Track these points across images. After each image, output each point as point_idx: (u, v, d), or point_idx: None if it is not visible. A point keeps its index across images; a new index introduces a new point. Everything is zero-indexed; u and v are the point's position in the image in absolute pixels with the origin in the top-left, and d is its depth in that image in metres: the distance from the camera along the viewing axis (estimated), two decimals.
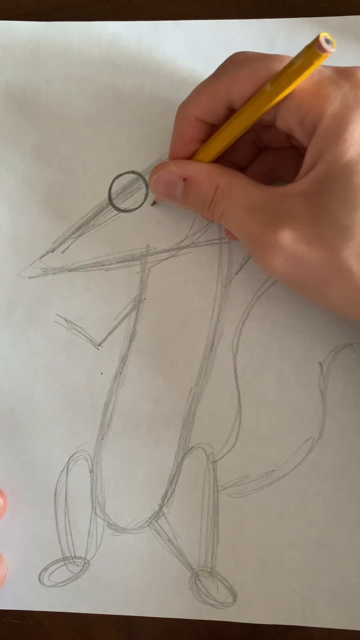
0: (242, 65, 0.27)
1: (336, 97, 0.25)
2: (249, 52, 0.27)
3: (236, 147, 0.30)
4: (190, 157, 0.30)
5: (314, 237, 0.25)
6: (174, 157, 0.30)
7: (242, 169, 0.31)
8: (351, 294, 0.26)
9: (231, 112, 0.28)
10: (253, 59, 0.27)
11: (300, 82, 0.25)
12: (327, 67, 0.26)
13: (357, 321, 0.30)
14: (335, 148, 0.25)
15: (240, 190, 0.28)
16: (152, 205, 0.33)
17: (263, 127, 0.30)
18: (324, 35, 0.23)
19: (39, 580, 0.32)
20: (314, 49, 0.23)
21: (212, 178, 0.28)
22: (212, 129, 0.29)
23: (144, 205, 0.34)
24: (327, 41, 0.23)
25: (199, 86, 0.28)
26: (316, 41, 0.23)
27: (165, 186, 0.30)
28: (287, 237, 0.26)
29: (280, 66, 0.25)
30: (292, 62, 0.25)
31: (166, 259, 0.33)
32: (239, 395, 0.32)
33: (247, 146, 0.31)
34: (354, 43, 0.33)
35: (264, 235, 0.26)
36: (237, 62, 0.27)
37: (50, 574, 0.32)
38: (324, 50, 0.23)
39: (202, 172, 0.29)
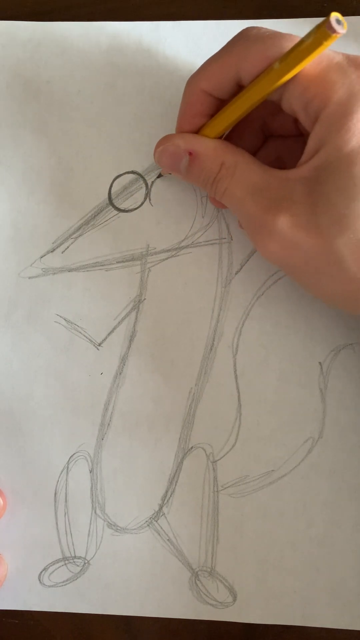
0: (252, 42, 0.26)
1: (342, 85, 0.25)
2: (261, 28, 0.27)
3: (244, 134, 0.30)
4: (197, 132, 0.29)
5: (310, 224, 0.25)
6: (180, 130, 0.30)
7: None
8: (343, 285, 0.26)
9: (239, 88, 0.28)
10: (264, 36, 0.26)
11: (309, 63, 0.25)
12: (338, 53, 0.26)
13: (352, 314, 0.30)
14: (337, 136, 0.25)
15: (244, 170, 0.27)
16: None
17: (270, 114, 0.30)
18: (335, 15, 0.23)
19: (39, 580, 0.32)
20: (324, 29, 0.23)
21: (218, 155, 0.28)
22: (220, 104, 0.29)
23: (144, 205, 0.34)
24: (338, 22, 0.23)
25: (209, 59, 0.28)
26: (326, 21, 0.23)
27: (170, 159, 0.29)
28: (284, 223, 0.26)
29: (291, 45, 0.25)
30: (302, 41, 0.24)
31: (166, 259, 0.33)
32: (239, 395, 0.32)
33: (254, 134, 0.31)
34: (354, 43, 0.33)
35: (263, 219, 0.26)
36: (248, 38, 0.27)
37: (50, 574, 0.32)
38: (334, 31, 0.23)
39: (208, 147, 0.28)
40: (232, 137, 0.30)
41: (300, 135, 0.30)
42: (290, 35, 0.26)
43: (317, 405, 0.32)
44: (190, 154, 0.29)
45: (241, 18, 0.34)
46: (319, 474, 0.32)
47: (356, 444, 0.32)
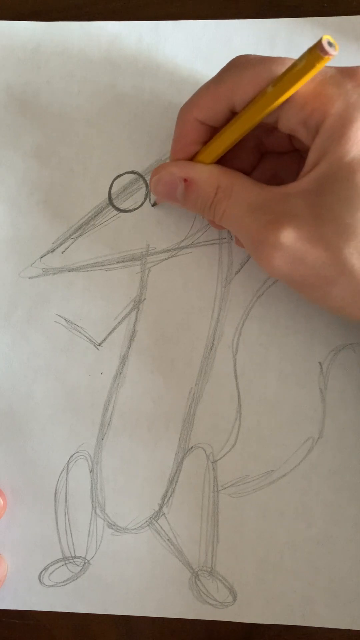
0: (244, 69, 0.26)
1: (339, 97, 0.25)
2: (250, 55, 0.27)
3: (239, 154, 0.30)
4: (192, 159, 0.30)
5: (316, 235, 0.25)
6: (175, 158, 0.30)
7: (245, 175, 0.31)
8: (353, 294, 0.26)
9: (233, 114, 0.28)
10: (255, 62, 0.26)
11: (302, 84, 0.25)
12: (330, 67, 0.26)
13: (358, 321, 0.30)
14: (338, 146, 0.25)
15: (241, 191, 0.27)
16: (152, 206, 0.33)
17: (265, 132, 0.30)
18: (326, 38, 0.23)
19: (39, 580, 0.32)
20: (316, 52, 0.23)
21: (213, 179, 0.28)
22: (213, 131, 0.29)
23: (144, 205, 0.34)
24: (330, 44, 0.23)
25: (201, 89, 0.28)
26: (319, 44, 0.23)
27: (166, 187, 0.30)
28: (288, 236, 0.25)
29: (282, 69, 0.25)
30: (294, 64, 0.25)
31: (166, 259, 0.33)
32: (239, 395, 0.32)
33: (250, 152, 0.31)
34: (354, 43, 0.33)
35: (265, 234, 0.26)
36: (239, 65, 0.27)
37: (50, 573, 0.32)
38: (326, 53, 0.23)
39: (203, 173, 0.29)
40: (227, 157, 0.30)
41: (296, 151, 0.30)
42: (280, 58, 0.26)
43: (317, 405, 0.32)
44: (185, 180, 0.29)
45: (241, 18, 0.34)
46: (319, 474, 0.32)
47: (356, 444, 0.32)
